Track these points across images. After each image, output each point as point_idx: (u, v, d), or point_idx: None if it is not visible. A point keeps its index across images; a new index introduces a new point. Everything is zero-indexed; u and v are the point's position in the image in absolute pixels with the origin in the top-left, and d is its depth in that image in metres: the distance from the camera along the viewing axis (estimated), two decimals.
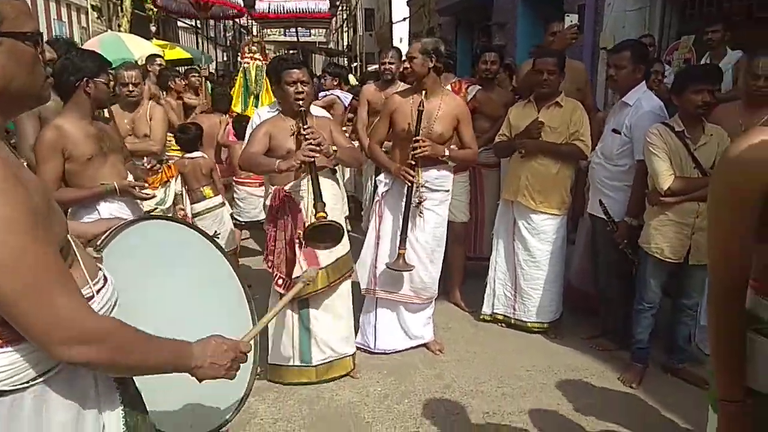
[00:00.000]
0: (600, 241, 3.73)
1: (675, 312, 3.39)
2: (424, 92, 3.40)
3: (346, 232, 2.99)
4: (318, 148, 2.81)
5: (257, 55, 6.19)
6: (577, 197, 4.16)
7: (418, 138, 3.35)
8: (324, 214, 2.70)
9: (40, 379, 1.11)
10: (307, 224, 2.95)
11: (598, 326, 3.89)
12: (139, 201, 3.08)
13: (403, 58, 4.52)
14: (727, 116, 3.40)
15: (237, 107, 5.86)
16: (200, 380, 1.35)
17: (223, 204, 4.72)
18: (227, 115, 5.71)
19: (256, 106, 5.60)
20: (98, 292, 1.22)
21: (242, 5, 11.49)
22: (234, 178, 5.26)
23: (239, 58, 6.80)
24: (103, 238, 1.57)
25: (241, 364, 1.45)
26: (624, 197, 3.48)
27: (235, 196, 5.28)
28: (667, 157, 3.14)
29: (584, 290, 4.18)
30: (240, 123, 5.11)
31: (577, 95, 4.13)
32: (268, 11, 10.96)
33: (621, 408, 3.12)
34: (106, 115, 3.93)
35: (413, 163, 3.39)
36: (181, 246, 1.82)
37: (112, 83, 2.98)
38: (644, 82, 3.53)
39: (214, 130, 5.37)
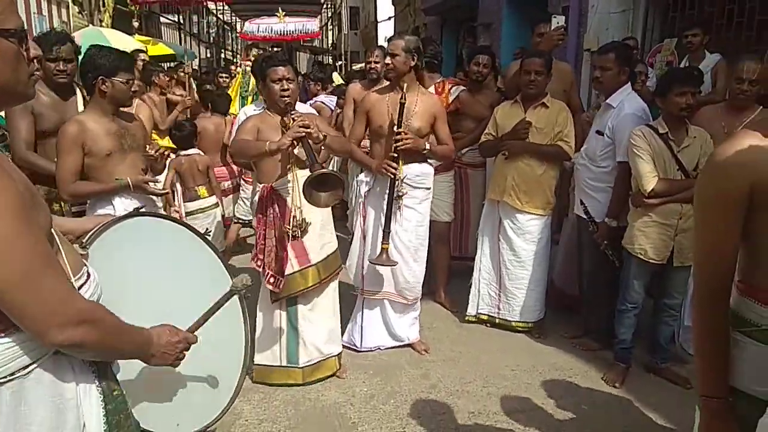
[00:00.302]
0: (584, 242, 3.76)
1: (657, 312, 3.43)
2: (405, 86, 3.41)
3: (343, 182, 2.92)
4: (308, 123, 2.82)
5: None
6: (562, 198, 4.19)
7: (400, 131, 3.35)
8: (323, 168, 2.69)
9: (20, 374, 1.11)
10: (296, 217, 2.97)
11: (581, 326, 3.93)
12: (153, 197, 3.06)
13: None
14: (709, 119, 3.45)
15: (234, 109, 5.79)
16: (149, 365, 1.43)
17: (216, 205, 4.68)
18: (228, 115, 5.63)
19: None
20: (80, 287, 1.23)
21: None
22: (243, 177, 5.21)
23: (240, 61, 6.71)
24: (90, 234, 1.56)
25: (231, 367, 1.47)
26: (606, 198, 3.51)
27: (242, 194, 5.23)
28: (650, 158, 3.17)
29: (567, 290, 4.21)
30: None
31: (563, 96, 4.15)
32: (257, 33, 10.87)
33: (604, 407, 3.15)
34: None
35: (395, 155, 3.39)
36: (170, 242, 1.82)
37: (131, 81, 2.94)
38: (629, 83, 3.56)
39: (219, 132, 5.23)
